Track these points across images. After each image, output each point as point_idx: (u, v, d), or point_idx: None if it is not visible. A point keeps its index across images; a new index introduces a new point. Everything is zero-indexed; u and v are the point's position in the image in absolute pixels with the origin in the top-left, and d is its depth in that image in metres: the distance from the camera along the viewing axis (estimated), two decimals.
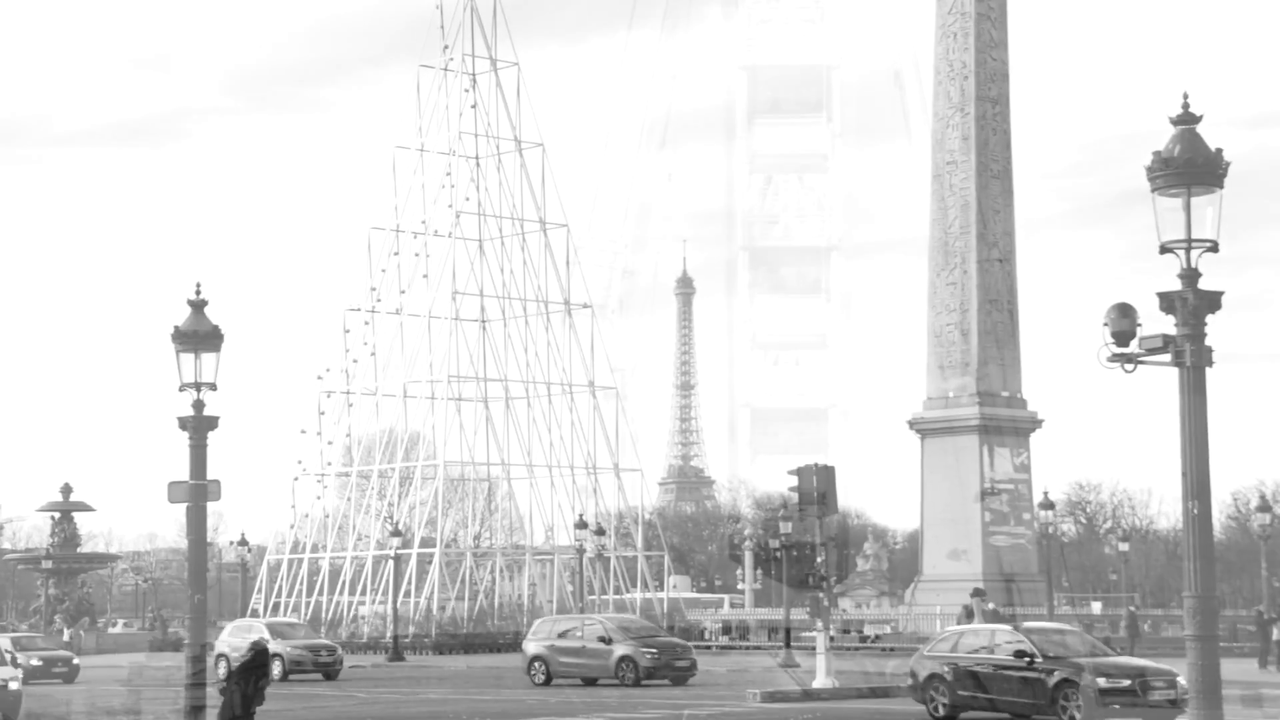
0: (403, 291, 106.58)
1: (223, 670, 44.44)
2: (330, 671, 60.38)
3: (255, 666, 27.90)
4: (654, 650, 52.88)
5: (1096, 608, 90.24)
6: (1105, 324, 20.00)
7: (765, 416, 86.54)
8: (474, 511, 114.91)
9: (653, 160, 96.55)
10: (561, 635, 54.95)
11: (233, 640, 57.45)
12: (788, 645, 64.95)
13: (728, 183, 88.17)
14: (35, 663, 59.41)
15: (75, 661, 64.49)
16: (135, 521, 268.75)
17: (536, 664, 54.33)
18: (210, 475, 29.70)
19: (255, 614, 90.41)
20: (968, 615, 48.21)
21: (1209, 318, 19.43)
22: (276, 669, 55.11)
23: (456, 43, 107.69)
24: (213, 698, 29.64)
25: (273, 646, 59.21)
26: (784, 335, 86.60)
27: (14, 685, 37.59)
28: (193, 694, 30.61)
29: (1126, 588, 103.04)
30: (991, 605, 54.90)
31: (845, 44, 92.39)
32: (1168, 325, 19.52)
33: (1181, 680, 31.95)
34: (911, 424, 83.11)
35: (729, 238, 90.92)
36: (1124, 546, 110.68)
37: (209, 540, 59.80)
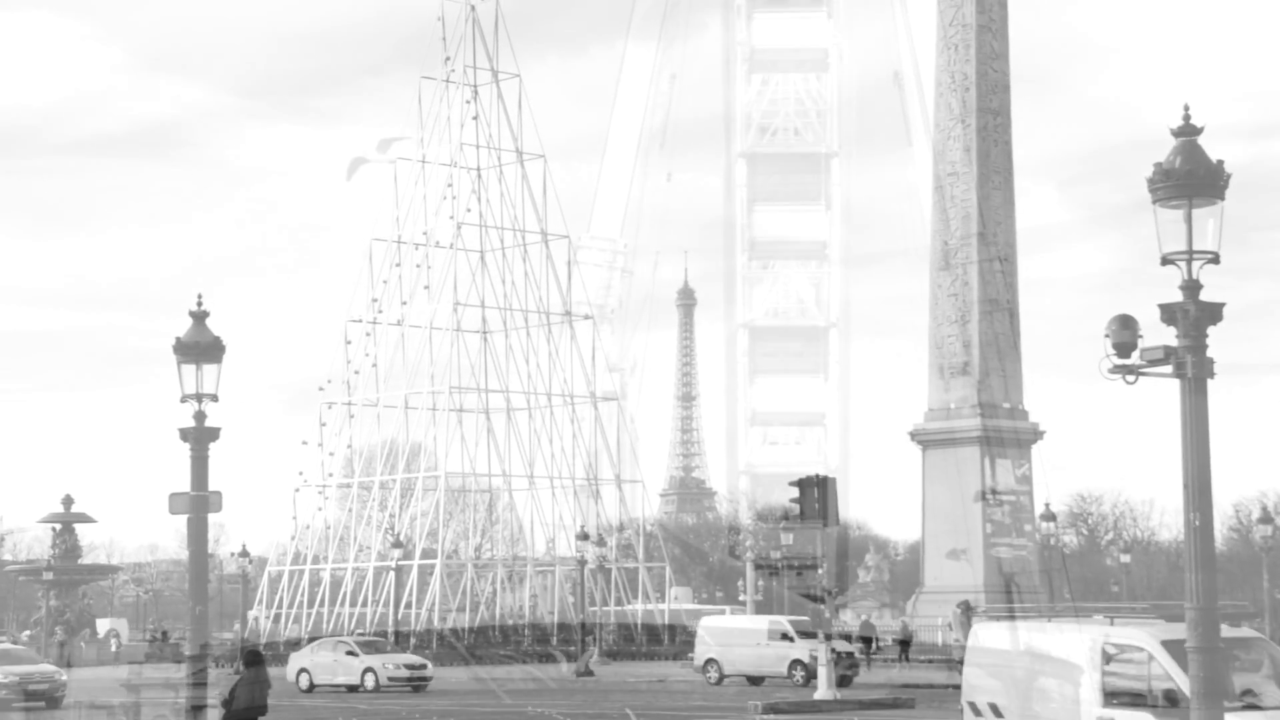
0: (404, 302, 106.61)
1: None
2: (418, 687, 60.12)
3: (251, 667, 28.03)
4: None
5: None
6: (1107, 335, 19.98)
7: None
8: (475, 523, 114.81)
9: (652, 164, 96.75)
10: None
11: None
12: None
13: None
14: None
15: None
16: (136, 533, 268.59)
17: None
18: (211, 486, 29.68)
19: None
20: (956, 624, 48.31)
21: (1210, 329, 19.40)
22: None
23: (458, 54, 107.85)
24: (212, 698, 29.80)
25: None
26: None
27: None
28: (192, 694, 30.73)
29: (1128, 599, 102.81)
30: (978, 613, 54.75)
31: (845, 41, 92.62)
32: (1169, 337, 19.49)
33: None
34: (913, 435, 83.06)
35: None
36: (1126, 558, 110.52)
37: (210, 552, 59.42)
